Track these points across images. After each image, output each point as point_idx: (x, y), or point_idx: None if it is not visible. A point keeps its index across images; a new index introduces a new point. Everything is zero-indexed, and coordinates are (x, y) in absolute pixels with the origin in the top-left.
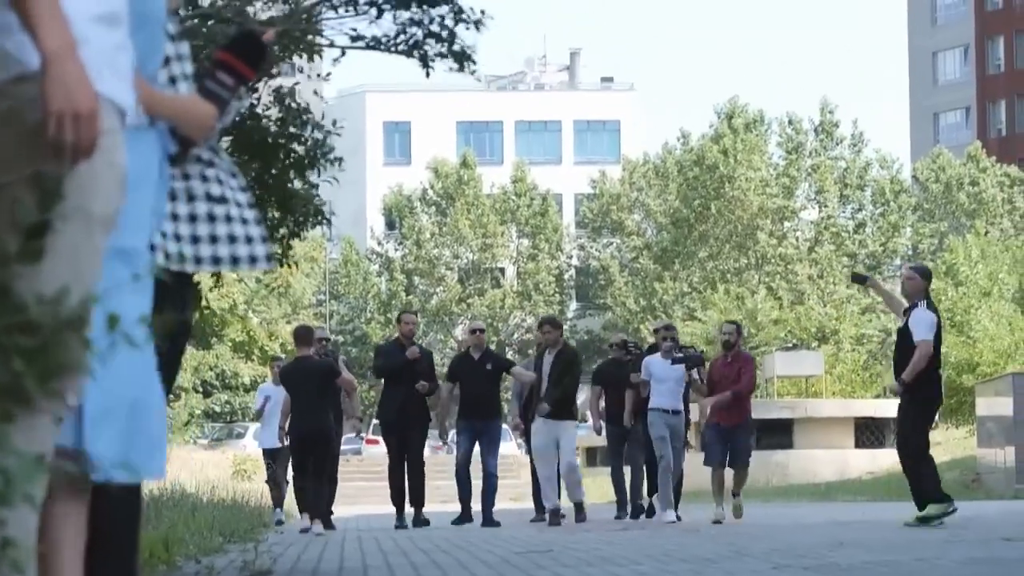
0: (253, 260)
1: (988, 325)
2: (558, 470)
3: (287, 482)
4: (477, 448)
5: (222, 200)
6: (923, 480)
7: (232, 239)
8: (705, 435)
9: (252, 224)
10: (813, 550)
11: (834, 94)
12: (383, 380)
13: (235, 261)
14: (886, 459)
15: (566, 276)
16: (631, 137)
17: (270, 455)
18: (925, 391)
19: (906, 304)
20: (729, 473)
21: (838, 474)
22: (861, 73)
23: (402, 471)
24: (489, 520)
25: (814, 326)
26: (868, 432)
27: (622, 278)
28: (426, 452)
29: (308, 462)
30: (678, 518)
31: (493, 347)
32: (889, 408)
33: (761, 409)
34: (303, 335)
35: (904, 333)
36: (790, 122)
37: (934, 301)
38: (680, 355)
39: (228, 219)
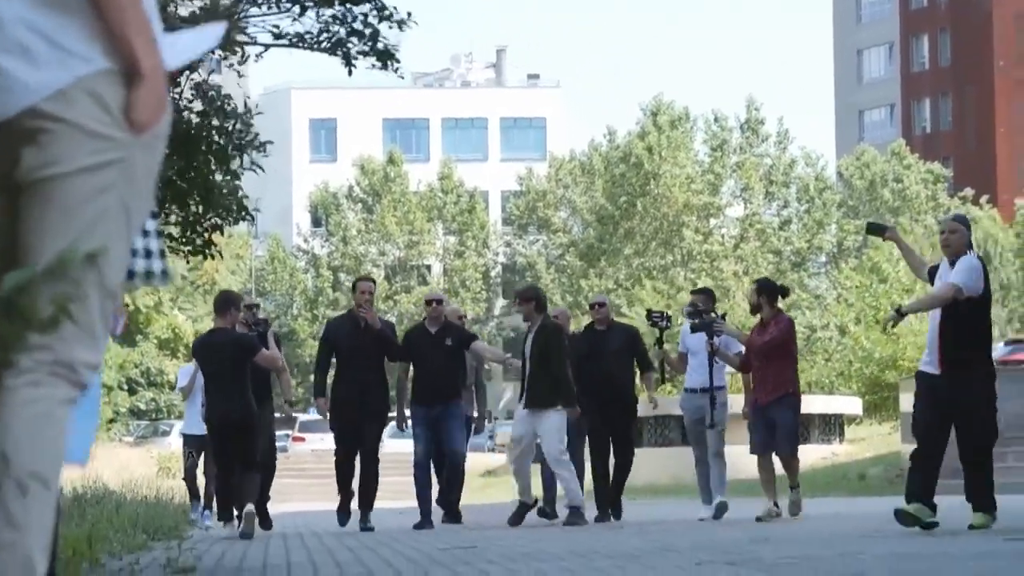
0: (149, 275)
1: (912, 321)
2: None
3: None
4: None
5: None
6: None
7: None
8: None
9: (152, 237)
10: (738, 545)
11: (760, 92)
12: (336, 361)
13: (130, 275)
14: (811, 455)
15: (493, 273)
16: (557, 134)
17: (191, 443)
18: (987, 363)
19: (932, 264)
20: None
21: None
22: (786, 71)
23: (352, 466)
24: (453, 513)
25: (738, 322)
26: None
27: (549, 275)
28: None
29: (228, 452)
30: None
31: None
32: (813, 404)
33: None
34: (220, 302)
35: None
36: (715, 119)
37: (866, 295)
38: (696, 321)
39: None
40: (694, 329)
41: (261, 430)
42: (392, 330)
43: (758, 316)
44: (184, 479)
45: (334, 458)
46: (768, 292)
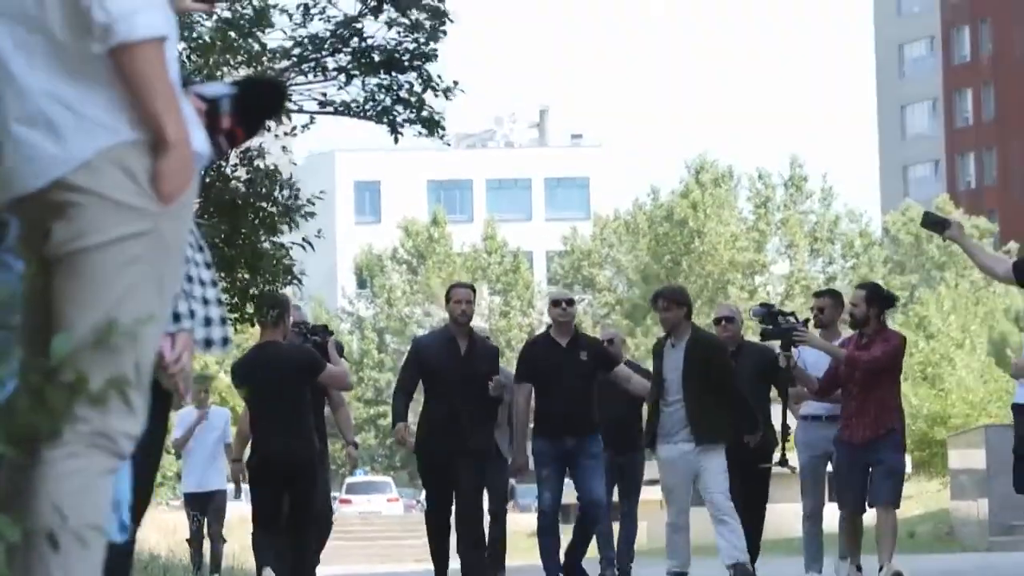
0: (208, 344)
1: (963, 376)
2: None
3: (223, 540)
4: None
5: (186, 279)
6: None
7: (191, 317)
8: (836, 462)
9: (213, 305)
10: None
11: (803, 149)
12: (424, 387)
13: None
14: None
15: (538, 333)
16: (601, 194)
17: (193, 503)
18: None
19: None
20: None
21: None
22: (830, 127)
23: (446, 523)
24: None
25: None
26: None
27: (594, 333)
28: (412, 505)
29: (279, 506)
30: None
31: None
32: None
33: None
34: (269, 308)
35: None
36: (759, 176)
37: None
38: (769, 326)
39: (189, 296)
40: (764, 336)
41: (318, 480)
42: (495, 355)
43: (857, 331)
44: (188, 541)
45: (424, 517)
46: (879, 301)
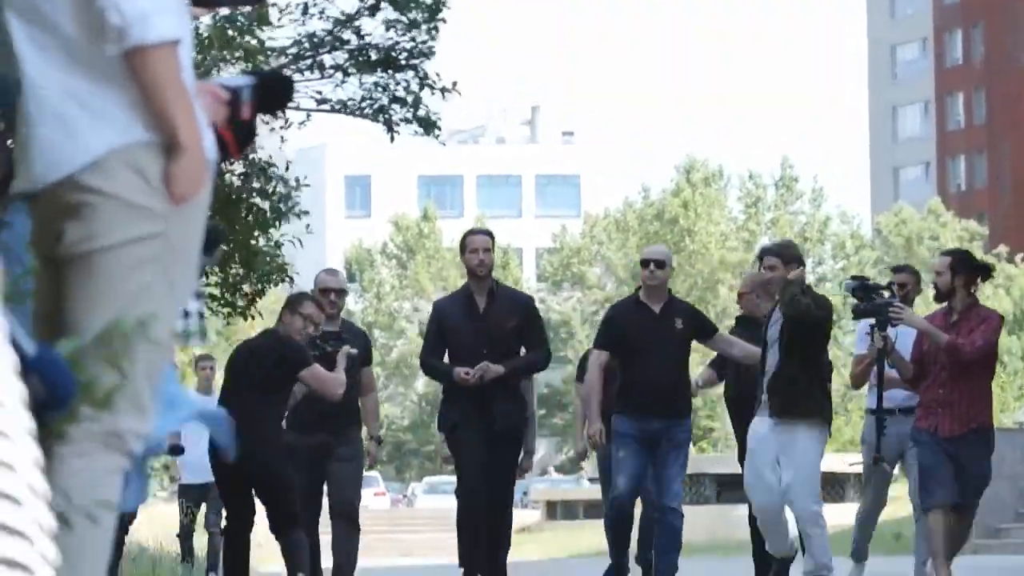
0: (187, 335)
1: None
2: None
3: (221, 534)
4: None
5: None
6: None
7: None
8: (919, 453)
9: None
10: None
11: (794, 149)
12: (449, 356)
13: None
14: (849, 514)
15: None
16: (592, 191)
17: (190, 494)
18: None
19: None
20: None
21: None
22: (821, 129)
23: (479, 522)
24: None
25: None
26: (831, 487)
27: (583, 331)
28: (399, 499)
29: (248, 510)
30: None
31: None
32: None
33: (722, 463)
34: (287, 304)
35: None
36: (750, 176)
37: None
38: (863, 303)
39: None
40: (857, 314)
41: (287, 482)
42: (525, 306)
43: (944, 305)
44: (178, 536)
45: (456, 514)
46: (966, 270)
